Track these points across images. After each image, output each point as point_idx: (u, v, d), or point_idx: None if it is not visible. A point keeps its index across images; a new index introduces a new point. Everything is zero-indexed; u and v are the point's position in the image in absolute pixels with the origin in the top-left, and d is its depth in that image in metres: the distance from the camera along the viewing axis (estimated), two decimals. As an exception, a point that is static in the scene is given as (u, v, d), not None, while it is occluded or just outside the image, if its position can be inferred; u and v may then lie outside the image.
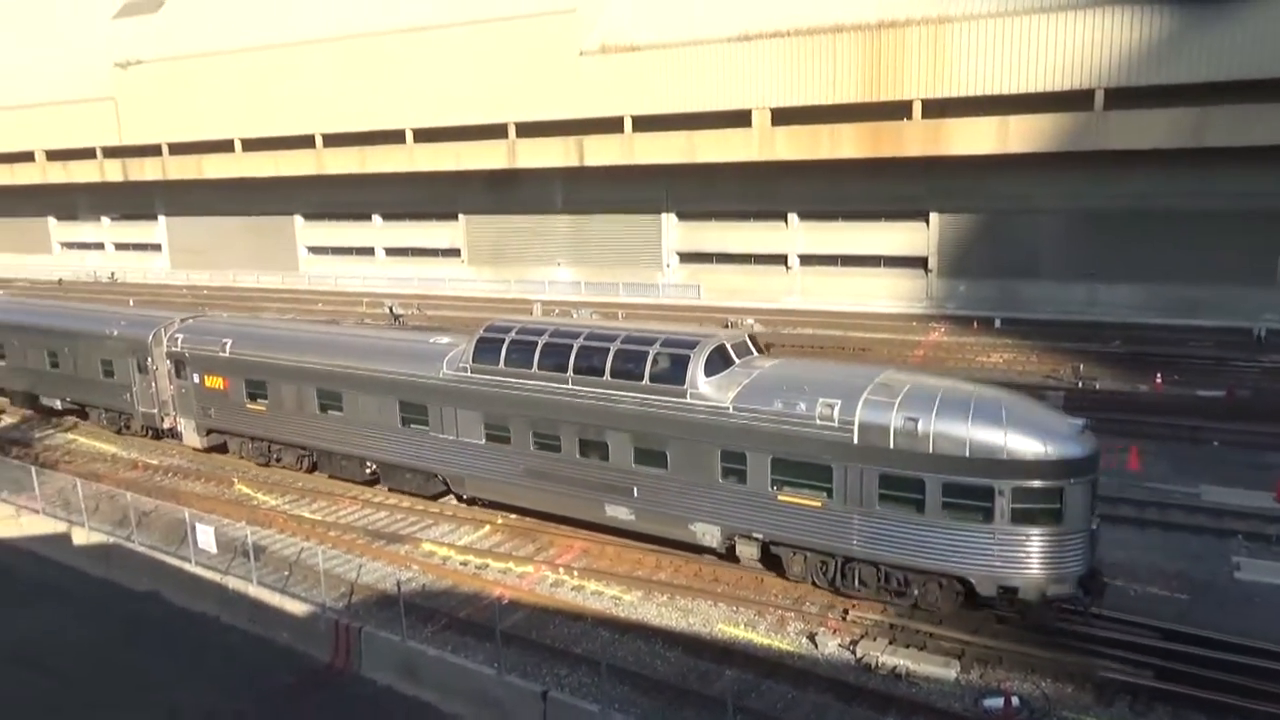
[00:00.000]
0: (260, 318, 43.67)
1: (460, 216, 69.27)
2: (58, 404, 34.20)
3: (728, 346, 19.57)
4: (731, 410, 18.26)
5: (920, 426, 16.23)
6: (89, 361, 31.73)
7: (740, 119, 53.50)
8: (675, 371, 19.08)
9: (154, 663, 17.75)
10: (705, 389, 18.72)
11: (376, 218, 73.52)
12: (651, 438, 19.43)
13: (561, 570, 20.11)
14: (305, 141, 69.95)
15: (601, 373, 19.94)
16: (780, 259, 57.93)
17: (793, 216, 56.95)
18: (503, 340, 21.74)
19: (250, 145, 72.93)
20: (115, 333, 30.95)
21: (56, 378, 33.36)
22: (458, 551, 21.39)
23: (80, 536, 23.07)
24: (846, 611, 17.53)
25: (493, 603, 17.91)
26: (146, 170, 79.12)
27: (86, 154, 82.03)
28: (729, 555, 19.31)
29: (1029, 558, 15.79)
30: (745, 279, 58.77)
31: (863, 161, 50.89)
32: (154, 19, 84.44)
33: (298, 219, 77.40)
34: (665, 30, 55.25)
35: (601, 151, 58.29)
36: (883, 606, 17.53)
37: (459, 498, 23.94)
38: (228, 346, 27.74)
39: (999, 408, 16.23)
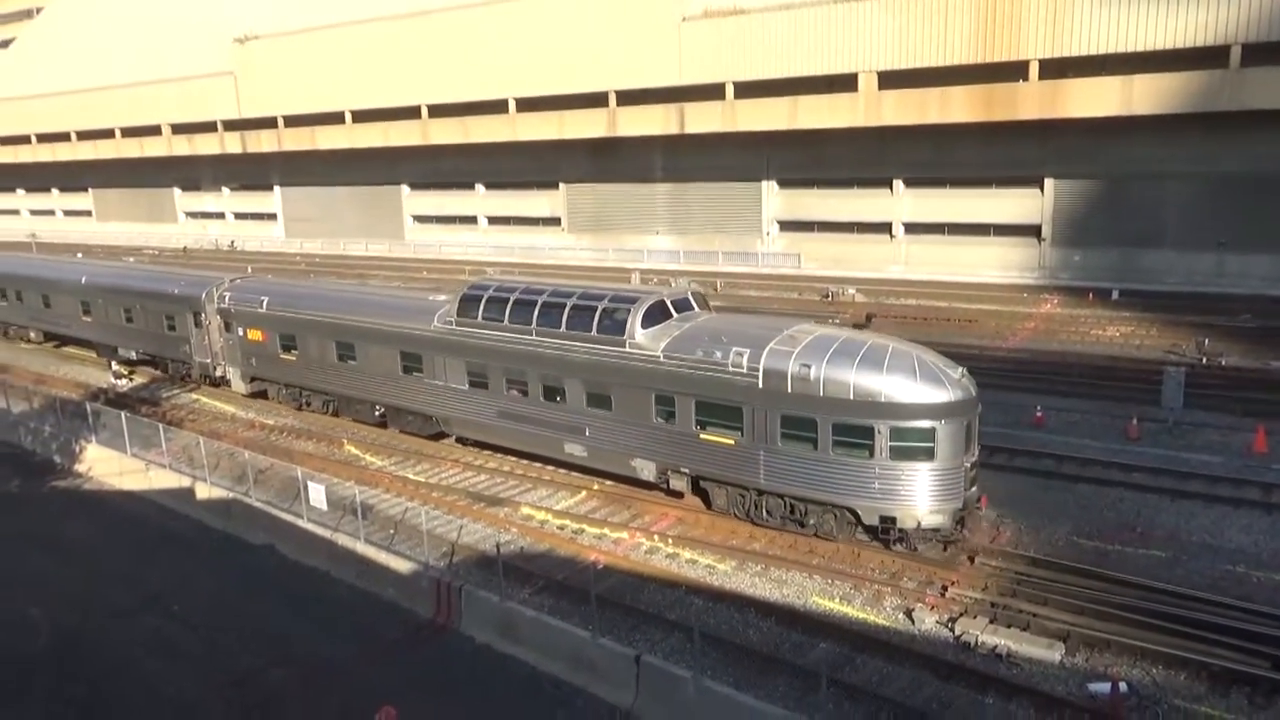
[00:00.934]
0: (295, 279, 47.41)
1: (561, 185, 69.81)
2: (133, 355, 38.08)
3: (666, 302, 21.90)
4: (662, 358, 20.50)
5: (812, 372, 18.27)
6: (156, 318, 35.47)
7: (845, 83, 52.14)
8: (617, 324, 21.44)
9: (270, 612, 18.70)
10: (641, 339, 21.00)
11: (479, 187, 74.75)
12: (599, 384, 21.81)
13: (656, 537, 20.25)
14: (411, 112, 71.47)
15: (559, 326, 22.42)
16: (884, 227, 56.47)
17: (898, 183, 55.36)
18: (481, 297, 24.41)
19: (360, 117, 74.95)
20: (176, 292, 34.47)
21: (132, 332, 37.23)
22: (554, 516, 21.76)
23: (203, 491, 24.40)
24: (945, 588, 17.15)
25: (588, 567, 18.18)
26: (263, 142, 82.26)
27: (208, 127, 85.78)
28: (693, 492, 21.41)
29: (906, 490, 17.79)
30: (847, 248, 57.54)
31: (974, 125, 49.02)
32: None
33: (404, 188, 79.34)
34: (770, -7, 54.08)
35: (702, 119, 57.72)
36: (984, 584, 17.09)
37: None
38: (265, 304, 30.95)
39: (882, 356, 18.13)
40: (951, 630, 15.90)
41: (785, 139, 56.23)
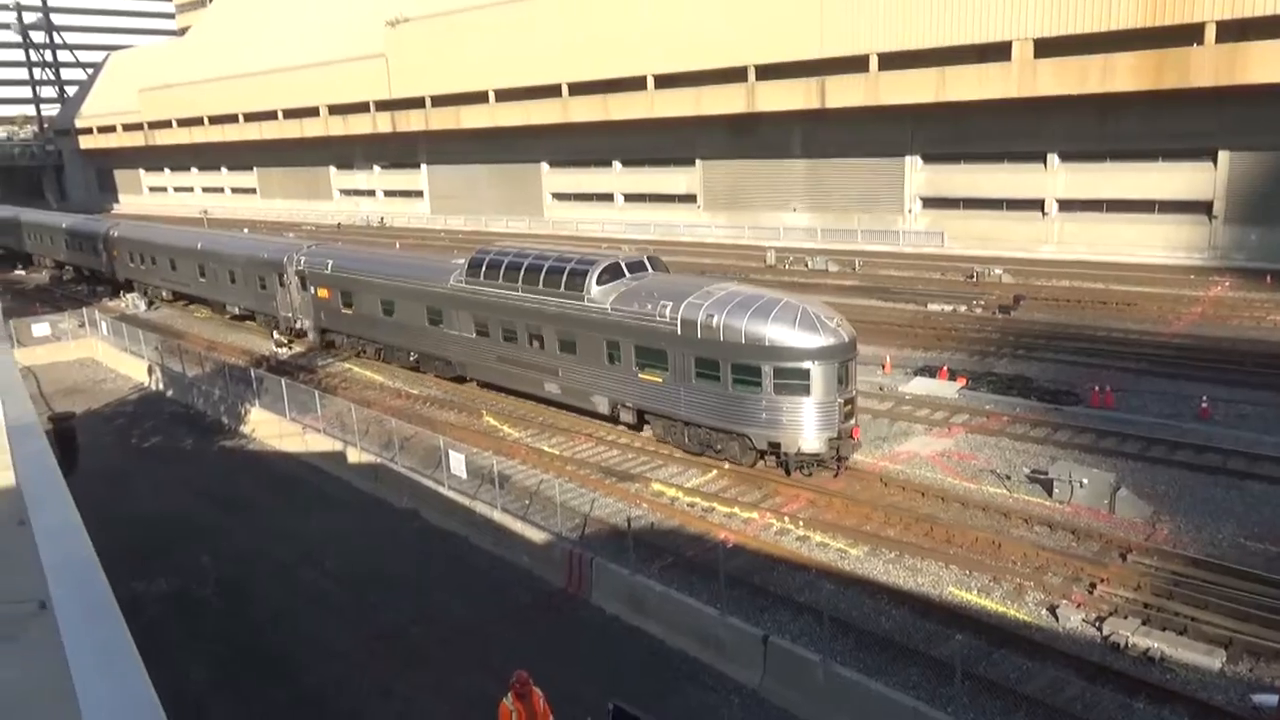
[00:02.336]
0: (357, 246, 54.00)
1: (697, 162, 69.60)
2: (236, 310, 44.84)
3: (621, 264, 25.73)
4: (610, 311, 24.49)
5: (715, 320, 21.83)
6: (252, 278, 41.50)
7: (997, 52, 49.72)
8: (579, 282, 25.44)
9: (413, 572, 19.60)
10: (596, 295, 24.99)
11: (616, 164, 75.39)
12: (567, 332, 25.90)
13: (786, 519, 20.07)
14: (552, 91, 72.65)
15: (538, 284, 26.71)
16: (1036, 204, 53.75)
17: (1053, 157, 52.52)
18: (484, 261, 29.03)
19: (502, 96, 76.77)
20: (265, 257, 40.38)
21: (235, 290, 43.66)
22: (685, 493, 21.87)
23: (353, 455, 25.74)
24: (1093, 585, 16.31)
25: (717, 545, 18.18)
26: (412, 121, 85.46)
27: (361, 108, 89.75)
28: (636, 424, 25.19)
29: (788, 420, 21.21)
30: (995, 225, 55.06)
31: (1139, 94, 45.95)
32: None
33: (544, 166, 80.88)
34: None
35: (844, 92, 56.29)
36: (1137, 584, 16.17)
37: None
38: (330, 266, 36.28)
39: (772, 308, 21.49)
40: (1099, 630, 15.13)
41: (931, 112, 54.19)
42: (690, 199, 71.00)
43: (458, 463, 21.60)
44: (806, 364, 20.83)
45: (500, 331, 28.30)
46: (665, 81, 65.46)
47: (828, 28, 55.85)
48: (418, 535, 21.64)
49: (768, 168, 65.65)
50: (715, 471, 22.98)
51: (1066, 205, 52.89)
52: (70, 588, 3.58)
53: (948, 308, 39.37)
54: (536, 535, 19.67)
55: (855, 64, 55.35)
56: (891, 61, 53.95)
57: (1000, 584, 16.88)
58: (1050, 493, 20.11)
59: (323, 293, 36.75)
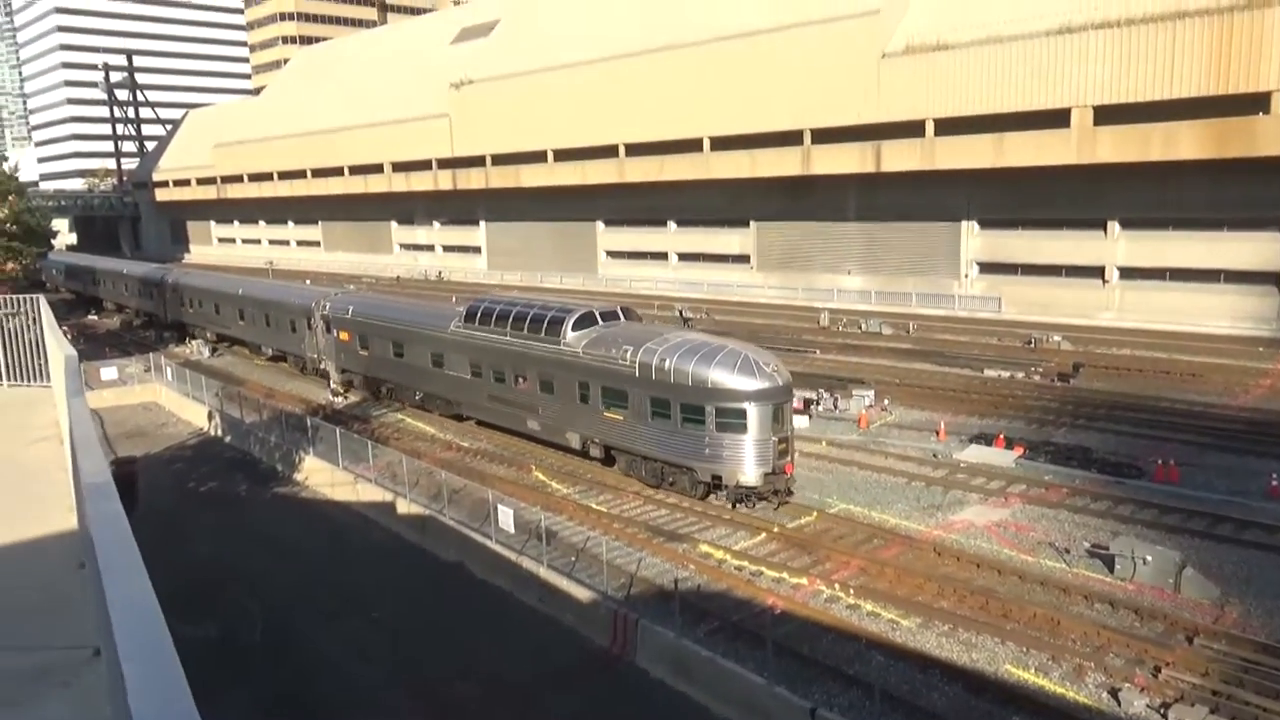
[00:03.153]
0: (374, 293, 58.28)
1: (751, 223, 70.01)
2: (269, 351, 48.08)
3: (595, 313, 28.14)
4: (582, 354, 26.84)
5: (667, 365, 23.96)
6: (283, 322, 44.70)
7: (1055, 119, 49.50)
8: (557, 329, 27.96)
9: (457, 626, 19.53)
10: (571, 340, 27.39)
11: (671, 223, 76.16)
12: (546, 374, 28.33)
13: (836, 586, 19.65)
14: (609, 151, 73.95)
15: (523, 330, 29.27)
16: (1096, 271, 52.91)
17: (1113, 225, 51.81)
18: (479, 309, 31.88)
19: (560, 156, 78.35)
20: (295, 302, 43.91)
21: (269, 333, 46.88)
22: (733, 556, 21.57)
23: (403, 506, 25.91)
24: (1158, 669, 15.62)
25: (765, 611, 17.86)
26: (472, 180, 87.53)
27: (424, 165, 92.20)
28: (604, 459, 27.36)
29: (728, 455, 23.12)
30: (1054, 292, 54.25)
31: (1203, 163, 45.23)
32: (485, 42, 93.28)
33: (599, 224, 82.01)
34: (976, 27, 52.34)
35: (900, 157, 56.43)
36: (1204, 669, 15.45)
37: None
38: (350, 312, 39.53)
39: (716, 353, 23.67)
40: (1164, 717, 14.44)
41: (988, 177, 53.98)
42: (744, 259, 71.30)
43: (506, 517, 21.61)
44: (744, 404, 22.91)
45: (491, 373, 31.09)
46: (721, 144, 66.30)
47: (884, 93, 56.24)
48: (463, 588, 21.60)
49: (822, 230, 65.77)
50: (764, 534, 22.66)
51: (1128, 273, 52.00)
52: (131, 633, 3.63)
53: (1005, 374, 38.71)
54: (582, 593, 19.50)
55: (911, 129, 55.55)
56: (948, 126, 54.04)
57: (1059, 663, 16.25)
58: (1112, 569, 19.42)
59: (344, 336, 39.75)
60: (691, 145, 67.95)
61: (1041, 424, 31.34)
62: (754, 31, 62.53)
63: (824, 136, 60.20)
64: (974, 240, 58.25)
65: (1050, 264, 54.71)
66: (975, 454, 28.03)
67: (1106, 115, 47.90)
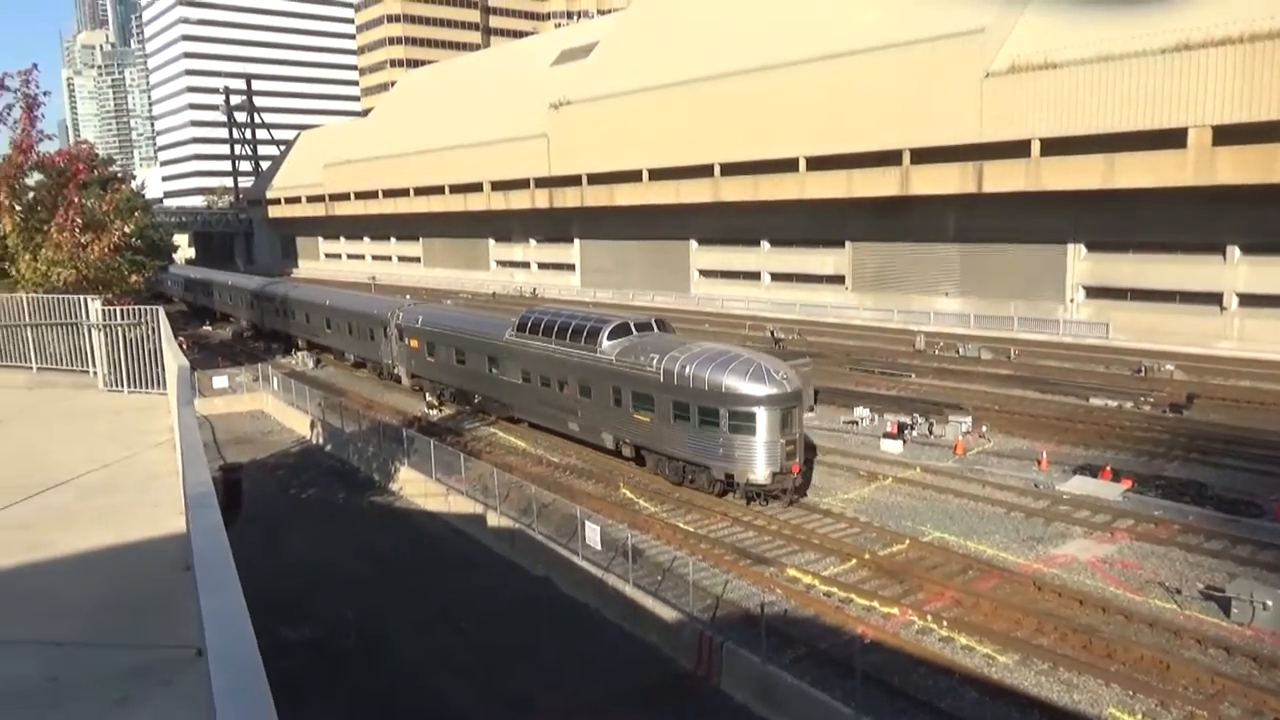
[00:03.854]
0: (441, 304, 62.36)
1: (846, 243, 69.10)
2: (351, 357, 52.06)
3: (630, 324, 30.64)
4: (615, 362, 29.01)
5: (687, 371, 25.98)
6: (364, 330, 48.63)
7: (1169, 138, 47.45)
8: (594, 338, 30.31)
9: (543, 640, 19.67)
10: (606, 348, 29.64)
11: (765, 243, 75.76)
12: (584, 379, 30.71)
13: (929, 617, 19.06)
14: (703, 171, 74.11)
15: (565, 338, 31.84)
16: (1213, 298, 50.35)
17: (1233, 249, 49.27)
18: (529, 319, 34.79)
19: (655, 175, 78.88)
20: (374, 312, 48.02)
21: (352, 340, 51.07)
22: (822, 582, 21.16)
23: (492, 519, 26.30)
24: (1281, 722, 14.64)
25: (854, 640, 17.41)
26: (568, 198, 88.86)
27: (521, 184, 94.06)
28: (634, 458, 29.51)
29: (740, 455, 24.96)
30: (1166, 319, 51.80)
31: (1333, 185, 42.65)
32: (584, 63, 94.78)
33: (692, 243, 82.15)
34: (1087, 45, 50.66)
35: (1003, 177, 54.93)
36: (1333, 726, 14.42)
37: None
38: (420, 320, 42.98)
39: (731, 361, 25.53)
40: (1287, 774, 13.52)
41: (1096, 199, 52.06)
42: (838, 280, 70.36)
43: (593, 534, 21.70)
44: (754, 409, 24.62)
45: (539, 378, 33.63)
46: (817, 163, 65.69)
47: (987, 112, 54.90)
48: (550, 603, 21.75)
49: (919, 251, 64.44)
50: (854, 561, 22.17)
51: (1249, 300, 49.28)
52: (220, 637, 3.76)
53: (1112, 403, 37.07)
54: (667, 613, 19.40)
55: (1015, 149, 54.02)
56: (1055, 146, 52.37)
57: (1169, 710, 15.38)
58: (1228, 612, 18.32)
59: (414, 343, 43.14)
60: (787, 165, 67.53)
61: (1152, 456, 29.88)
62: (853, 51, 61.90)
63: (923, 156, 59.09)
64: (1080, 263, 56.17)
65: (1162, 289, 52.28)
66: (1079, 485, 26.89)
67: (1226, 135, 45.67)
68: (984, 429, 33.27)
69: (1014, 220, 57.32)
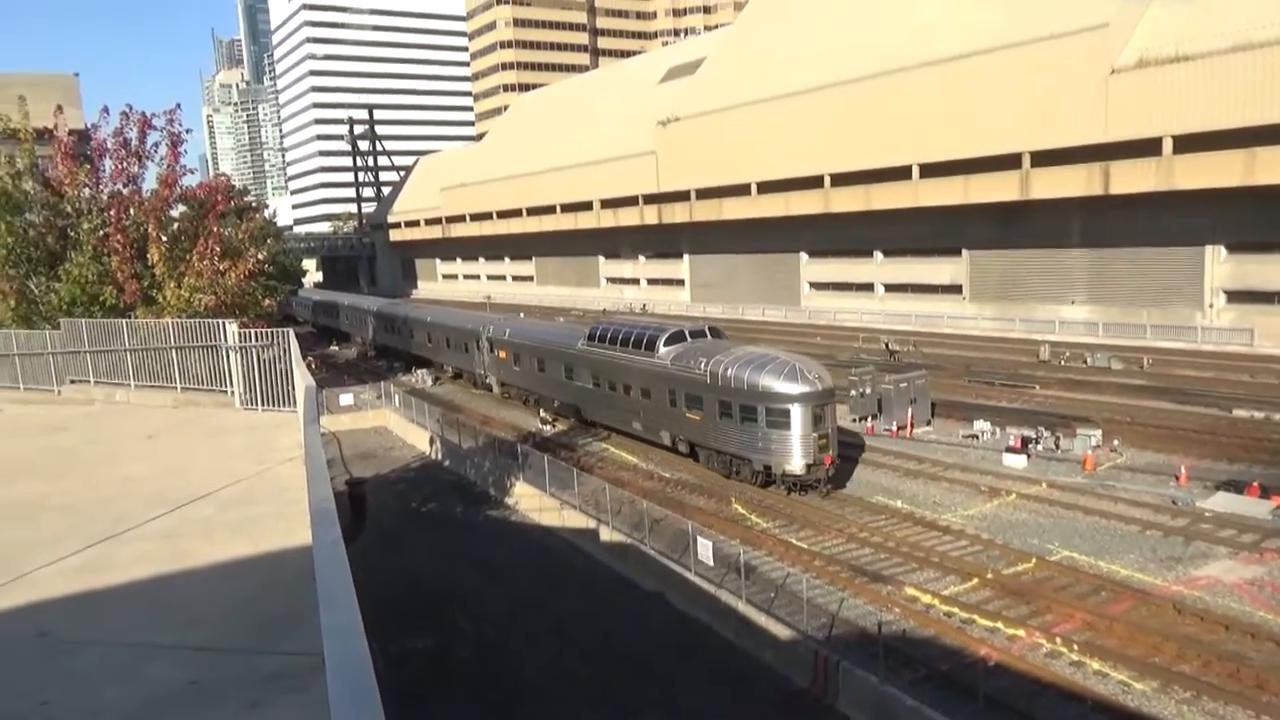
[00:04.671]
0: (525, 318, 64.61)
1: (964, 251, 67.05)
2: (449, 369, 56.47)
3: (685, 332, 33.57)
4: (670, 366, 32.03)
5: (728, 373, 28.68)
6: (460, 343, 52.76)
7: (1320, 130, 44.26)
8: (653, 345, 33.45)
9: (656, 655, 19.68)
10: (663, 354, 32.67)
11: (877, 254, 74.24)
12: (645, 383, 33.76)
13: (1059, 640, 18.20)
14: (813, 182, 73.27)
15: (628, 346, 35.00)
16: (1373, 299, 46.59)
17: (1395, 246, 45.50)
18: (597, 330, 38.34)
19: (764, 188, 78.45)
20: (468, 326, 52.22)
21: (449, 353, 55.20)
22: (942, 601, 20.49)
23: (605, 534, 26.52)
24: None
25: (977, 662, 16.80)
26: (676, 214, 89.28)
27: (630, 201, 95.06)
28: (689, 454, 32.34)
29: (776, 449, 27.43)
30: (1319, 323, 48.20)
31: None
32: (691, 80, 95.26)
33: (802, 256, 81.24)
34: (1222, 35, 47.92)
35: (1131, 177, 52.36)
36: None
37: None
38: (507, 333, 46.52)
39: (768, 363, 28.09)
40: None
41: (1236, 197, 48.98)
42: (955, 289, 68.29)
43: (705, 549, 21.62)
44: (789, 406, 27.04)
45: (607, 383, 36.70)
46: (931, 170, 64.07)
47: (1113, 110, 52.46)
48: (662, 619, 21.76)
49: (1042, 258, 61.93)
50: (976, 580, 21.40)
51: None
52: (337, 649, 3.94)
53: (1259, 414, 34.66)
54: (781, 631, 19.14)
55: (1144, 147, 51.41)
56: (1188, 143, 49.60)
57: (1330, 747, 14.24)
58: (1398, 642, 16.85)
59: (502, 354, 46.78)
60: (899, 173, 66.11)
61: (1305, 471, 27.80)
62: (967, 54, 60.22)
63: (1044, 159, 56.90)
64: (1220, 266, 52.91)
65: (1315, 291, 48.72)
66: (1223, 502, 25.23)
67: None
68: (1115, 443, 31.64)
69: (1145, 222, 54.51)
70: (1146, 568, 21.46)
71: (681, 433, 32.04)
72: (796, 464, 27.10)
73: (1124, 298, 57.23)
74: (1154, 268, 55.68)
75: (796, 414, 26.91)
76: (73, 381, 19.46)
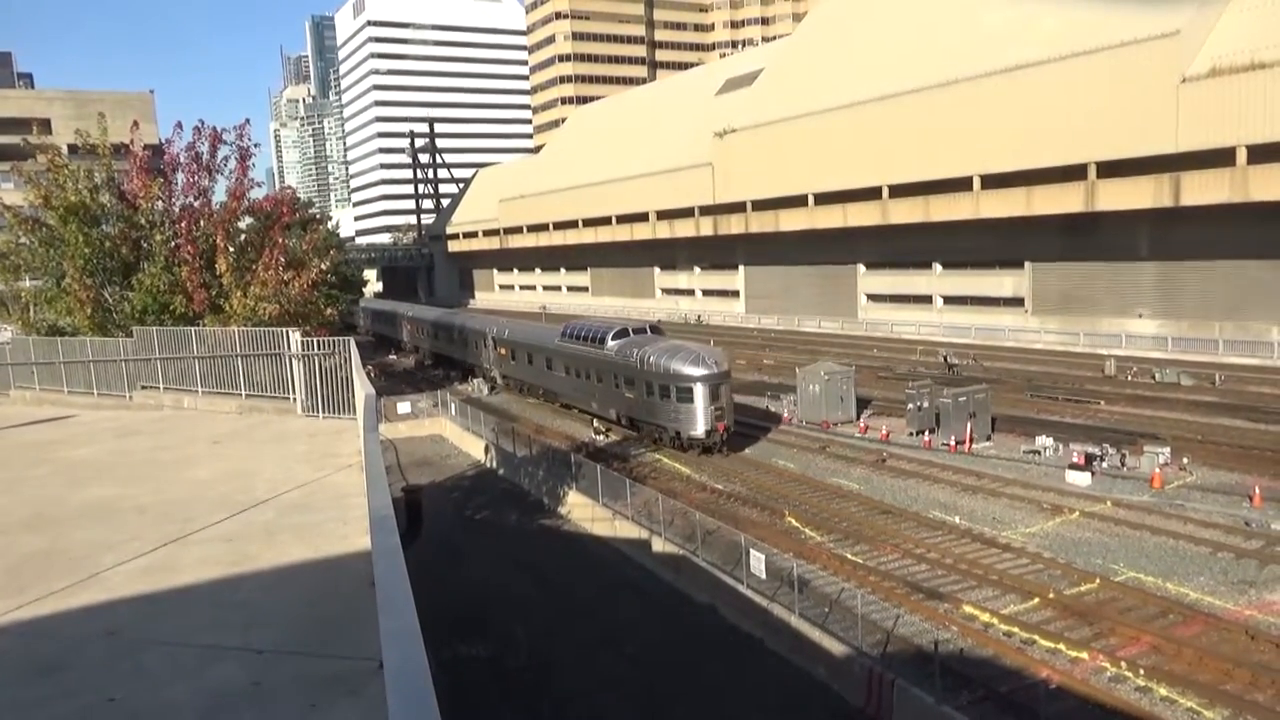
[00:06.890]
0: (520, 319, 69.29)
1: (1026, 264, 65.74)
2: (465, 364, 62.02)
3: (629, 329, 41.10)
4: (614, 356, 39.30)
5: (650, 360, 36.33)
6: (473, 342, 59.83)
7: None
8: (603, 340, 40.81)
9: (707, 668, 19.58)
10: (610, 348, 39.93)
11: (936, 266, 73.17)
12: (598, 370, 41.12)
13: (1124, 664, 17.66)
14: (871, 193, 72.57)
15: (588, 342, 42.33)
16: None
17: None
18: (569, 329, 45.38)
19: (821, 199, 77.91)
20: (477, 328, 59.88)
21: (459, 348, 63.26)
22: (1001, 620, 20.04)
23: (657, 545, 26.47)
24: None
25: (1038, 685, 16.39)
26: (732, 225, 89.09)
27: (686, 213, 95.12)
28: (630, 426, 40.11)
29: (682, 418, 35.40)
30: (1404, 339, 46.22)
31: None
32: (748, 91, 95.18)
33: (860, 267, 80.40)
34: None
35: (1203, 189, 50.89)
36: None
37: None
38: (506, 333, 54.57)
39: (678, 352, 36.22)
40: None
41: (1315, 208, 47.25)
42: (1017, 302, 66.95)
43: (758, 562, 21.47)
44: (691, 385, 34.85)
45: (574, 372, 43.89)
46: (992, 181, 63.02)
47: (1184, 120, 51.08)
48: (714, 631, 21.65)
49: (1108, 270, 60.43)
50: (1037, 599, 20.89)
51: None
52: (396, 655, 4.01)
53: (1338, 434, 33.36)
54: (834, 647, 18.89)
55: (1217, 157, 49.94)
56: (1263, 153, 48.04)
57: None
58: None
59: (502, 351, 54.45)
60: (960, 184, 65.14)
61: (1389, 494, 26.64)
62: (1031, 64, 59.19)
63: (1110, 170, 55.61)
64: (1298, 279, 51.07)
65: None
66: (1299, 525, 24.31)
67: None
68: (1185, 461, 30.67)
69: (1217, 234, 52.89)
70: (1217, 591, 20.75)
71: (623, 410, 39.67)
72: (700, 429, 34.86)
73: (1194, 311, 55.55)
74: (1227, 281, 53.96)
75: (698, 391, 34.69)
76: (144, 388, 20.08)
